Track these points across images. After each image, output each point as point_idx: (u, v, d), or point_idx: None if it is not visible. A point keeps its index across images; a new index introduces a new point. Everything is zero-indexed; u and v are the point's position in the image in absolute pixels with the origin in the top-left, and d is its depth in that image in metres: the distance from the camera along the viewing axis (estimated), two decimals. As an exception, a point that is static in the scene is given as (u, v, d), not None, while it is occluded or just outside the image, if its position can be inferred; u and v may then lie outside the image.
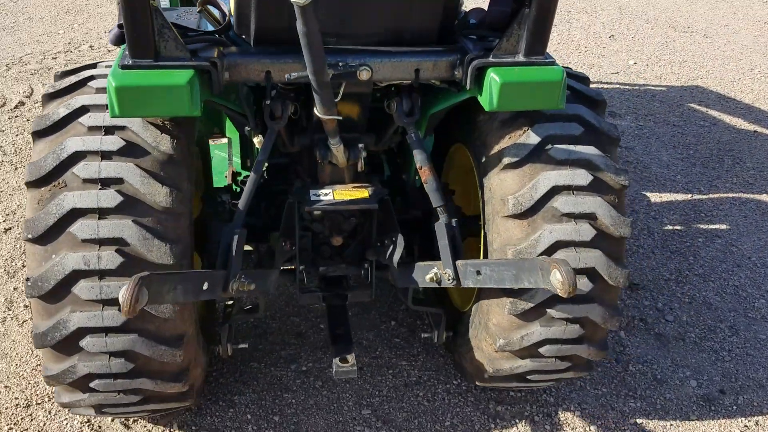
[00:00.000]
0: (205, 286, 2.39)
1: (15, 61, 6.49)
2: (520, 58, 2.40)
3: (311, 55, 2.09)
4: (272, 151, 3.07)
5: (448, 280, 2.66)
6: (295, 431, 3.06)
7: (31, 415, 3.05)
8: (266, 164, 2.60)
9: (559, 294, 2.19)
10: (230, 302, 3.09)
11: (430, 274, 2.74)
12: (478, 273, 2.56)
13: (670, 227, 4.63)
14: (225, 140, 3.83)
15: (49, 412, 3.05)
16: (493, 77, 2.35)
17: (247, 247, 3.10)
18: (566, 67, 3.03)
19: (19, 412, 3.05)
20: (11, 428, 2.98)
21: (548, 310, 2.59)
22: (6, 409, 3.07)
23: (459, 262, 2.64)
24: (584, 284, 2.56)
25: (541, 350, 2.69)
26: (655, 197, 4.96)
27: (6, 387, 3.17)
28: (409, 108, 2.56)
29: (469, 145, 2.89)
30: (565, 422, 3.19)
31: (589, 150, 2.58)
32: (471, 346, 2.92)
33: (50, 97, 2.49)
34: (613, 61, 7.30)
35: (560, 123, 2.60)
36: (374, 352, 3.51)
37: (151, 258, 2.31)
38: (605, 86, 6.71)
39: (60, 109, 2.41)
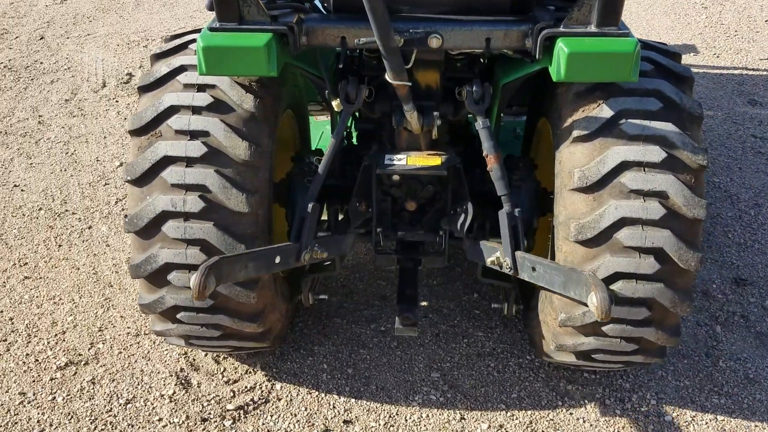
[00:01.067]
0: (278, 260, 2.63)
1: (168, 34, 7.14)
2: (592, 28, 2.37)
3: (375, 20, 2.20)
4: (358, 118, 3.24)
5: (507, 268, 2.73)
6: (365, 384, 3.23)
7: (138, 343, 3.45)
8: (348, 131, 2.74)
9: (595, 317, 2.23)
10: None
11: (492, 257, 2.81)
12: (533, 269, 2.61)
13: (796, 224, 4.28)
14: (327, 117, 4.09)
15: (154, 342, 3.43)
16: (561, 47, 2.35)
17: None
18: (660, 43, 2.93)
19: (129, 340, 3.47)
20: (121, 353, 3.40)
21: (612, 288, 2.55)
22: (119, 335, 3.49)
23: (518, 254, 2.69)
24: (650, 264, 2.49)
25: (605, 329, 2.66)
26: (785, 191, 4.59)
27: (122, 317, 3.60)
28: (479, 96, 2.64)
29: (549, 118, 2.88)
30: (637, 409, 3.11)
31: (665, 126, 2.49)
32: (539, 320, 2.93)
33: (157, 57, 2.79)
34: (764, 47, 6.73)
35: (637, 98, 2.53)
36: (452, 321, 3.59)
37: (230, 205, 2.55)
38: (750, 72, 6.23)
39: (162, 67, 2.70)
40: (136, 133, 2.62)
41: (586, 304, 2.34)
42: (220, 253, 2.56)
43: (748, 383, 3.25)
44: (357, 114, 3.22)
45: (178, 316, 2.75)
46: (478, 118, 2.65)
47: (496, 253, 2.79)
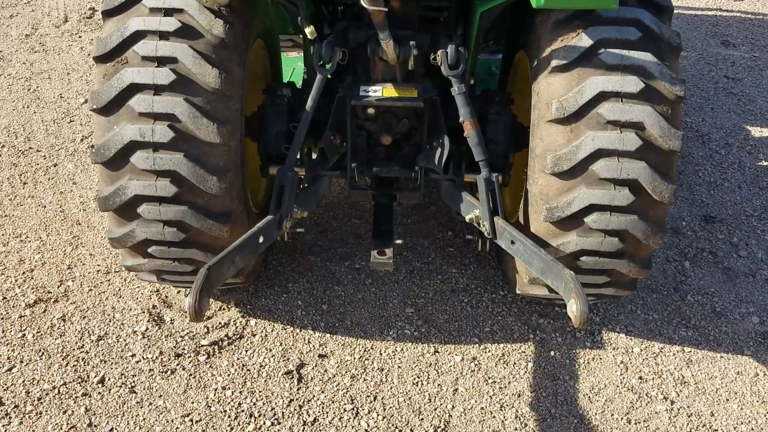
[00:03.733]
0: (261, 240, 2.57)
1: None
2: None
3: None
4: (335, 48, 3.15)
5: (485, 231, 2.74)
6: (340, 320, 3.24)
7: (109, 280, 3.39)
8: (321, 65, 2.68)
9: (571, 321, 2.24)
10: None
11: (471, 214, 2.82)
12: (513, 243, 2.61)
13: (765, 163, 4.33)
14: (300, 53, 3.99)
15: (125, 280, 3.39)
16: None
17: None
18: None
19: (99, 277, 3.41)
20: (91, 290, 3.34)
21: (585, 220, 2.56)
22: (89, 273, 3.44)
23: (497, 221, 2.70)
24: (625, 196, 2.50)
25: (578, 261, 2.67)
26: (755, 131, 4.63)
27: (91, 255, 3.54)
28: (454, 60, 2.62)
29: (527, 50, 2.83)
30: (607, 342, 3.17)
31: (644, 56, 2.47)
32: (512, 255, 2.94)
33: (123, -21, 2.66)
34: (738, -12, 6.70)
35: (616, 27, 2.49)
36: (426, 258, 3.59)
37: (200, 135, 2.48)
38: (724, 14, 6.21)
39: (128, -11, 2.58)
40: (101, 59, 2.51)
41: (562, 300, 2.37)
42: (190, 184, 2.51)
43: (715, 316, 3.32)
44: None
45: (149, 250, 2.70)
46: (454, 83, 2.64)
47: (475, 211, 2.79)
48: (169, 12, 2.51)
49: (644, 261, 2.70)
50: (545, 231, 2.65)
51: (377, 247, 2.86)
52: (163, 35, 2.48)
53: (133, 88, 2.46)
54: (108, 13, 2.59)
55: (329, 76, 3.34)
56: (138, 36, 2.49)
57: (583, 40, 2.48)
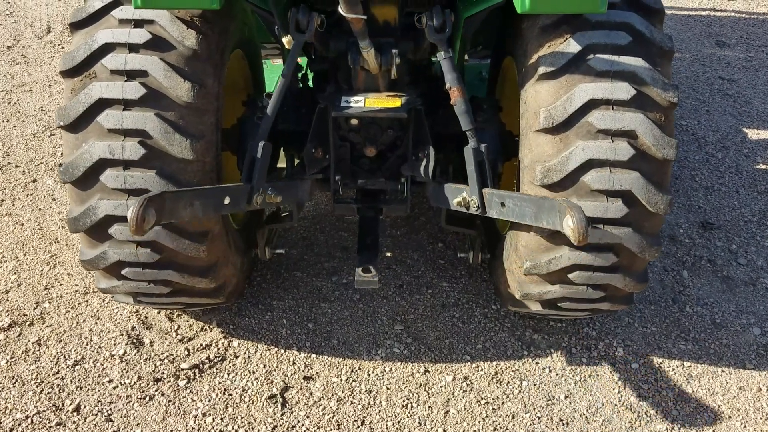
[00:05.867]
0: (227, 201, 2.43)
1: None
2: None
3: None
4: (313, 58, 3.05)
5: (474, 207, 2.58)
6: (326, 339, 3.12)
7: (87, 301, 3.27)
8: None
9: (571, 240, 2.07)
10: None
11: (458, 198, 2.66)
12: (503, 205, 2.46)
13: (763, 167, 4.22)
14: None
15: (104, 300, 3.26)
16: None
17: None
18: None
19: (77, 298, 3.29)
20: (68, 312, 3.22)
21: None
22: (66, 293, 3.31)
23: (486, 191, 2.55)
24: (618, 208, 2.39)
25: (571, 276, 2.56)
26: (752, 134, 4.53)
27: (69, 274, 3.42)
28: (440, 24, 2.44)
29: (515, 56, 2.72)
30: (604, 357, 3.05)
31: (635, 62, 2.36)
32: (504, 268, 2.83)
33: (92, -9, 2.55)
34: (732, -12, 6.62)
35: (605, 31, 2.39)
36: (416, 272, 3.48)
37: (173, 152, 2.37)
38: (718, 14, 6.12)
39: (96, 2, 2.47)
40: (68, 74, 2.40)
41: (560, 232, 2.20)
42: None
43: (715, 328, 3.21)
44: (312, 54, 3.03)
45: (123, 272, 2.58)
46: (440, 48, 2.46)
47: (462, 194, 2.64)
48: (139, 23, 2.40)
49: (640, 274, 2.59)
50: (536, 244, 2.53)
51: (362, 264, 2.74)
52: (133, 48, 2.37)
53: (102, 104, 2.35)
54: (76, 26, 2.48)
55: (310, 85, 3.25)
56: (106, 49, 2.38)
57: (571, 45, 2.38)
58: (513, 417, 2.80)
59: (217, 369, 2.96)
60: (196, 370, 2.94)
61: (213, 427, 2.72)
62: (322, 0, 2.60)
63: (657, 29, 2.48)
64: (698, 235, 3.71)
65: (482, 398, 2.87)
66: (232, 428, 2.72)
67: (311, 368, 2.98)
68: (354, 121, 2.79)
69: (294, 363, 3.00)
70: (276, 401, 2.82)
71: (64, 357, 3.00)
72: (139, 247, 2.49)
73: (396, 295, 3.34)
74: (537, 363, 3.02)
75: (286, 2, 2.62)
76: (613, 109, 2.34)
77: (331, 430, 2.73)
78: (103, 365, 2.96)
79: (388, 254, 3.57)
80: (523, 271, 2.62)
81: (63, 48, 5.47)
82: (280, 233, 3.57)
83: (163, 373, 2.92)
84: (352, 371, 2.97)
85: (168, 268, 2.57)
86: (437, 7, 2.45)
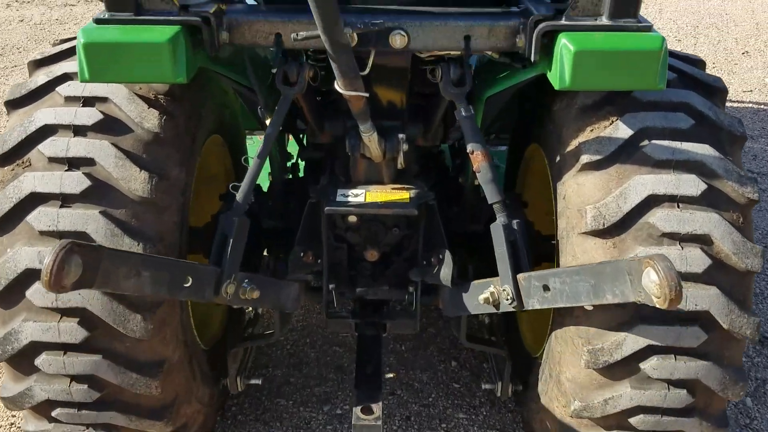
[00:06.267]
0: (188, 282, 1.86)
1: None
2: (603, 20, 1.84)
3: (318, 6, 1.57)
4: (304, 145, 2.63)
5: (507, 300, 2.03)
6: (315, 488, 2.51)
7: (22, 437, 2.68)
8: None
9: (657, 305, 1.53)
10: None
11: (484, 294, 2.11)
12: (546, 288, 1.92)
13: (815, 270, 3.74)
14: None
15: (44, 436, 2.66)
16: (565, 44, 1.79)
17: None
18: (676, 51, 2.39)
19: (11, 433, 2.70)
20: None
21: (642, 367, 1.91)
22: (-1, 428, 2.72)
23: (521, 276, 2.00)
24: (694, 334, 1.87)
25: (633, 421, 2.00)
26: (795, 233, 4.07)
27: None
28: (457, 76, 1.98)
29: (544, 144, 2.28)
30: None
31: (701, 149, 1.92)
32: (541, 404, 2.26)
33: (36, 64, 2.14)
34: (746, 79, 6.39)
35: (662, 113, 1.97)
36: (426, 399, 2.91)
37: (119, 258, 1.86)
38: (735, 105, 5.83)
39: (40, 77, 2.05)
40: (-2, 161, 1.93)
41: (637, 302, 1.63)
42: (105, 325, 1.87)
43: (794, 472, 2.62)
44: (303, 141, 2.60)
45: (54, 413, 2.03)
46: (459, 105, 1.99)
47: (488, 288, 2.10)
48: (89, 101, 1.96)
49: (719, 417, 2.03)
50: (587, 381, 1.99)
51: (361, 402, 2.19)
52: (79, 130, 1.93)
53: (34, 199, 1.88)
54: (13, 104, 2.04)
55: (300, 174, 2.81)
56: (46, 132, 1.94)
57: (620, 129, 1.94)
58: None
59: None
60: None
61: None
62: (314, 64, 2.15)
63: (721, 110, 2.05)
64: (756, 353, 3.16)
65: None
66: None
67: None
68: (352, 219, 2.34)
69: None
70: None
71: None
72: (74, 382, 1.95)
73: (402, 430, 2.76)
74: None
75: (272, 79, 2.18)
76: (679, 207, 1.87)
77: None
78: None
79: (392, 375, 3.02)
80: (569, 411, 2.06)
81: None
82: (263, 350, 3.02)
83: None
84: None
85: (111, 408, 2.03)
86: (453, 60, 2.01)
